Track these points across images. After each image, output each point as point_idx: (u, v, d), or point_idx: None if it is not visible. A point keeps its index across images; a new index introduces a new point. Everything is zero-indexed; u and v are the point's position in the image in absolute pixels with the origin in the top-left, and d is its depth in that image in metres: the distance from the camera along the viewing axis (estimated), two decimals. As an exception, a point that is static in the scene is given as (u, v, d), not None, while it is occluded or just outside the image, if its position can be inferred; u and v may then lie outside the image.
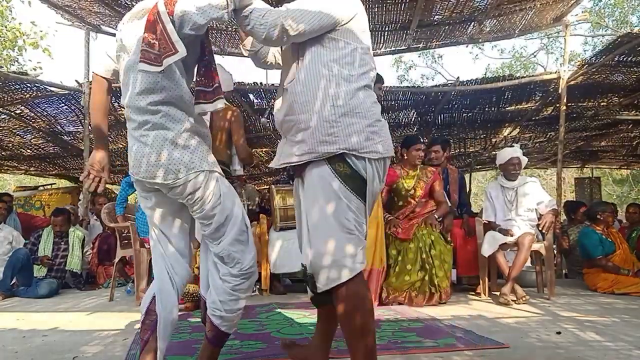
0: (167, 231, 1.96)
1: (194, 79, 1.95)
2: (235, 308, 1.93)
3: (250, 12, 1.80)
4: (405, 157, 4.29)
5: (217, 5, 1.74)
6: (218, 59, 5.75)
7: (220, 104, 1.93)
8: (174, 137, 1.83)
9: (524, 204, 4.39)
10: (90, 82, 6.11)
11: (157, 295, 1.91)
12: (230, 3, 1.76)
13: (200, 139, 1.92)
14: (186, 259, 1.98)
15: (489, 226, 4.47)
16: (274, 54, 2.15)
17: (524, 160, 4.53)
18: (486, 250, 4.28)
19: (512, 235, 4.25)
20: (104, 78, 2.00)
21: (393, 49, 6.60)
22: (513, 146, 4.73)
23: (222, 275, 1.92)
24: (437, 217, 4.24)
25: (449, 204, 4.68)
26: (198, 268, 3.17)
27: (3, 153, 8.21)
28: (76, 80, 6.20)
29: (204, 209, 1.87)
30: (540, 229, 4.33)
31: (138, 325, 3.16)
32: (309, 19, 1.75)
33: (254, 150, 8.58)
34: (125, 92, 1.90)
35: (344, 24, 1.81)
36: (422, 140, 4.54)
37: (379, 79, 4.06)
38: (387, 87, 6.18)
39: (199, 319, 3.38)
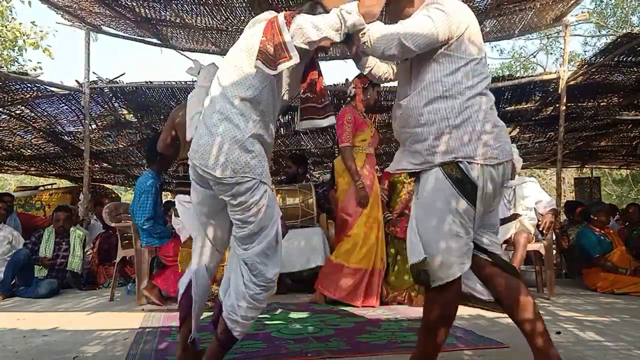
0: (208, 227, 2.07)
1: (302, 94, 2.05)
2: (250, 316, 1.96)
3: (368, 30, 1.92)
4: None
5: (332, 26, 1.87)
6: (218, 59, 5.76)
7: (332, 119, 2.07)
8: (241, 136, 1.88)
9: (522, 203, 4.40)
10: (91, 82, 6.15)
11: (194, 279, 2.08)
12: (344, 26, 1.88)
13: (262, 147, 1.97)
14: (221, 254, 2.15)
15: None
16: (389, 67, 2.27)
17: (517, 160, 4.51)
18: None
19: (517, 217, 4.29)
20: None
21: (393, 49, 6.58)
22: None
23: (245, 280, 1.94)
24: None
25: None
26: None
27: (3, 153, 8.20)
28: (76, 80, 6.20)
29: (242, 214, 1.91)
30: (540, 229, 4.33)
31: (139, 325, 3.18)
32: (422, 37, 1.84)
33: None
34: (215, 82, 2.01)
35: (456, 39, 1.88)
36: None
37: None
38: (387, 87, 6.18)
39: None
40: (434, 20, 1.85)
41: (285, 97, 2.11)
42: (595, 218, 4.98)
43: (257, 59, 1.87)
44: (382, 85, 4.19)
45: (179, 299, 2.14)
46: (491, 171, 1.87)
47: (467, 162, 1.85)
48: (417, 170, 1.96)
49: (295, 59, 1.86)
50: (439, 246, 1.84)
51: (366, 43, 1.93)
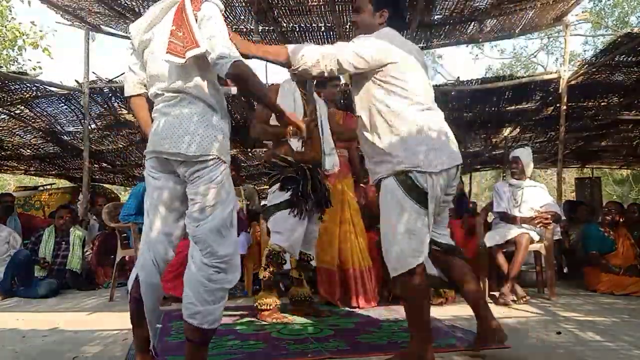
0: (164, 215, 2.00)
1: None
2: (210, 299, 1.84)
3: (303, 56, 2.17)
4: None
5: (225, 44, 1.86)
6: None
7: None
8: (210, 118, 1.93)
9: (527, 205, 4.39)
10: (90, 81, 6.14)
11: (141, 276, 1.95)
12: (231, 52, 1.86)
13: (221, 126, 1.97)
14: (171, 245, 2.02)
15: (508, 218, 4.43)
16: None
17: (527, 163, 4.50)
18: (489, 240, 4.30)
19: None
20: (140, 95, 2.16)
21: (393, 49, 6.58)
22: (524, 147, 4.76)
23: (196, 262, 1.87)
24: None
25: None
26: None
27: (3, 153, 8.20)
28: (76, 80, 6.19)
29: (199, 187, 1.89)
30: (538, 220, 4.30)
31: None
32: (358, 58, 2.18)
33: (255, 150, 8.63)
34: (154, 78, 2.00)
35: (388, 64, 2.19)
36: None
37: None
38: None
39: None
40: (368, 45, 2.18)
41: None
42: (602, 217, 5.07)
43: (166, 51, 1.89)
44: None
45: (129, 299, 2.01)
46: (435, 178, 2.16)
47: (416, 171, 2.14)
48: (380, 178, 2.25)
49: (203, 47, 1.86)
50: (395, 241, 2.15)
51: (300, 68, 2.18)
